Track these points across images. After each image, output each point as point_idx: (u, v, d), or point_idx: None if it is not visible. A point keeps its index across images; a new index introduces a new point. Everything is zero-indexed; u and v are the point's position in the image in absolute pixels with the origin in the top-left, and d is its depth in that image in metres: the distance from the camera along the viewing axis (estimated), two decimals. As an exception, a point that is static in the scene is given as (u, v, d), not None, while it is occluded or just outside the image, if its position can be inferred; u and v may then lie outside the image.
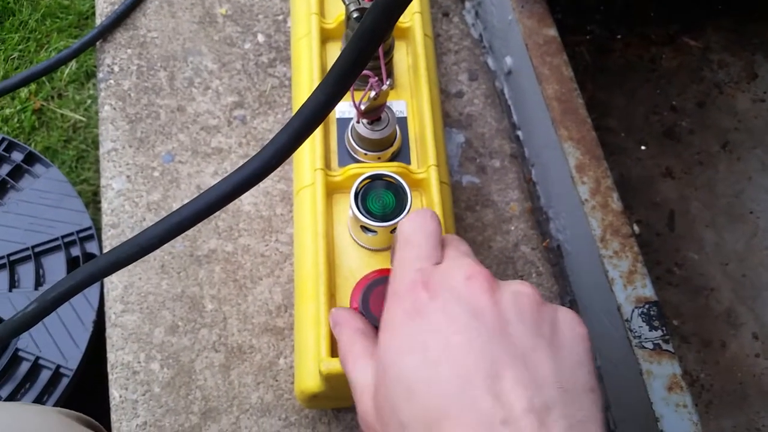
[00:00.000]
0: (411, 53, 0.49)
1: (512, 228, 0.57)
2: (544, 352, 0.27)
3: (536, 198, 0.57)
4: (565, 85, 0.47)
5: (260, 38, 0.63)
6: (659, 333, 0.41)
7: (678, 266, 0.59)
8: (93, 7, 1.03)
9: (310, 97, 0.27)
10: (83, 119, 0.81)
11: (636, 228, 0.59)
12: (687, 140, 0.64)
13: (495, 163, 0.59)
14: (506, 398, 0.25)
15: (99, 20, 0.64)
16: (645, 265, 0.45)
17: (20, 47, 0.86)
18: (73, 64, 0.84)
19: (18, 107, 0.79)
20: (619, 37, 0.66)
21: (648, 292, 0.42)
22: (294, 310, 0.47)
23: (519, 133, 0.58)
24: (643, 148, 0.62)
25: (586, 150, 0.45)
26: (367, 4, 0.42)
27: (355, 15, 0.42)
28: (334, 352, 0.40)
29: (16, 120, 0.79)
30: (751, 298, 0.60)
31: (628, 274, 0.43)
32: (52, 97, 0.83)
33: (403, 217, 0.40)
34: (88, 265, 0.33)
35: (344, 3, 0.41)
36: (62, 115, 0.78)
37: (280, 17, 0.64)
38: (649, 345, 0.41)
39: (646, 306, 0.42)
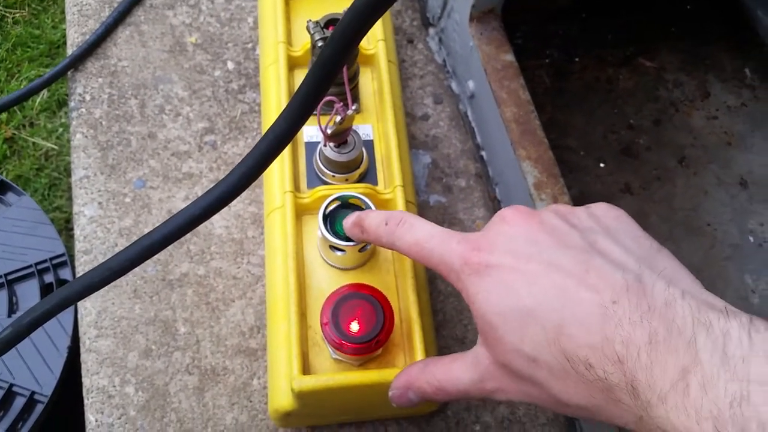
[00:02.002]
0: (376, 79, 0.51)
1: (479, 245, 0.59)
2: (605, 241, 0.30)
3: (501, 215, 0.58)
4: (522, 107, 0.49)
5: (230, 65, 0.64)
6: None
7: (639, 278, 0.61)
8: (64, 36, 1.04)
9: (273, 123, 0.29)
10: (55, 147, 0.82)
11: (597, 242, 0.61)
12: (644, 157, 0.66)
13: (461, 182, 0.61)
14: (602, 285, 0.28)
15: (70, 50, 0.65)
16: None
17: (-9, 77, 0.88)
18: (44, 93, 0.84)
19: (-11, 136, 0.80)
20: (576, 60, 0.68)
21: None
22: (266, 331, 0.48)
23: (483, 153, 0.61)
24: (602, 165, 0.64)
25: (544, 169, 0.47)
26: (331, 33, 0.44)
27: (320, 44, 0.44)
28: (306, 369, 0.41)
29: (-13, 149, 0.80)
30: (709, 307, 0.62)
31: (587, 286, 0.44)
32: (24, 126, 0.83)
33: None
34: (62, 289, 0.34)
35: (309, 33, 0.43)
36: (34, 143, 0.78)
37: (249, 45, 0.65)
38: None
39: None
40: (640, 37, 0.74)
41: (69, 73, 0.64)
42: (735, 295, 0.63)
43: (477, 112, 0.60)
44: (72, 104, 0.63)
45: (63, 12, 1.06)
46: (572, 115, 0.66)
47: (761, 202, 0.68)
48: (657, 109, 0.70)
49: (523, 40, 0.68)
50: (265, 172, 0.49)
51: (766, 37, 0.69)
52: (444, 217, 0.59)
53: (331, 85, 0.27)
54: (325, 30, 0.44)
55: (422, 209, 0.59)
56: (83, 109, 0.62)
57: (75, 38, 0.66)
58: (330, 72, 0.26)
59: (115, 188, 0.58)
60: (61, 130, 0.83)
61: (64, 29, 1.05)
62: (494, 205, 0.59)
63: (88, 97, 0.62)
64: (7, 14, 0.94)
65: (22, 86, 0.85)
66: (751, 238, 0.66)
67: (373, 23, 0.24)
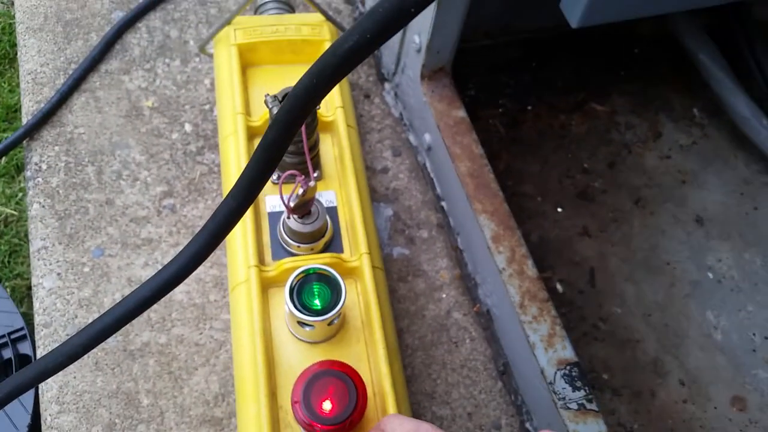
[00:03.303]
0: (336, 144, 0.52)
1: (444, 295, 0.59)
2: None
3: (464, 265, 0.59)
4: (476, 161, 0.50)
5: (188, 128, 0.65)
6: (582, 393, 0.43)
7: (603, 321, 0.62)
8: (16, 106, 1.03)
9: (222, 203, 0.29)
10: (15, 213, 0.80)
11: (559, 287, 0.61)
12: (600, 200, 0.68)
13: (423, 233, 0.62)
14: None
15: (25, 119, 0.65)
16: (568, 322, 0.47)
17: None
18: (3, 159, 0.84)
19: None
20: (529, 108, 0.70)
21: (568, 353, 0.44)
22: (236, 410, 0.47)
23: (443, 203, 0.61)
24: (559, 210, 0.66)
25: (500, 221, 0.48)
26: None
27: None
28: None
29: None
30: (674, 346, 0.62)
31: (548, 337, 0.45)
32: (-19, 193, 0.82)
33: (338, 309, 0.42)
34: (16, 376, 0.33)
35: (267, 106, 0.44)
36: (-8, 210, 0.77)
37: (207, 107, 0.66)
38: (574, 406, 0.43)
39: (568, 367, 0.44)
40: (590, 82, 0.76)
41: (24, 142, 0.64)
42: (698, 332, 0.64)
43: (435, 163, 0.61)
44: (28, 174, 0.62)
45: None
46: (528, 162, 0.67)
47: (717, 238, 0.69)
48: (610, 152, 0.72)
49: (476, 90, 0.69)
50: (229, 243, 0.49)
51: (709, 78, 0.71)
52: (408, 269, 0.59)
53: (277, 166, 0.28)
54: (281, 103, 0.44)
55: (386, 262, 0.59)
56: (40, 179, 0.61)
57: (30, 107, 0.66)
58: (274, 154, 0.26)
59: (74, 258, 0.57)
60: (20, 195, 0.82)
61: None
62: (456, 255, 0.60)
63: (44, 166, 0.62)
64: (-37, 80, 0.94)
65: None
66: (710, 275, 0.67)
67: (314, 106, 0.24)
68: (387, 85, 0.68)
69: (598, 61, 0.77)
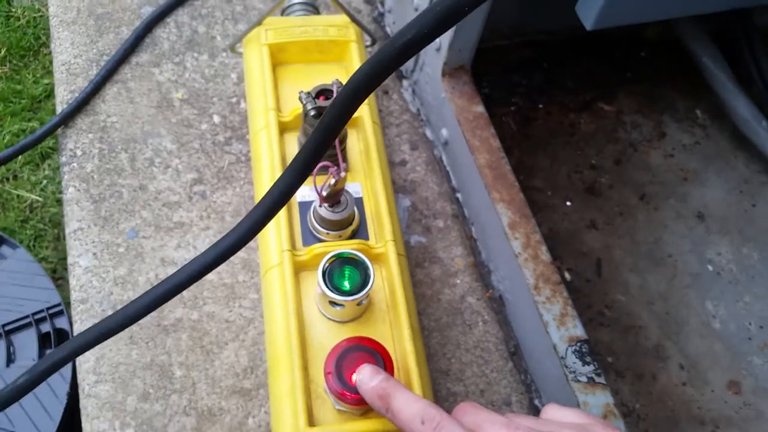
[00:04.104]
0: (362, 140, 0.55)
1: (458, 281, 0.62)
2: None
3: (478, 253, 0.62)
4: (494, 154, 0.54)
5: (216, 119, 0.68)
6: (591, 368, 0.46)
7: (608, 308, 0.65)
8: (45, 90, 1.06)
9: (280, 178, 0.32)
10: (39, 199, 0.83)
11: (567, 276, 0.65)
12: (607, 195, 0.71)
13: (439, 223, 0.65)
14: None
15: (60, 107, 0.68)
16: (575, 308, 0.51)
17: (-26, 132, 0.89)
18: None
19: (-26, 190, 0.81)
20: (540, 106, 0.74)
21: (579, 331, 0.48)
22: (269, 383, 0.50)
23: (458, 195, 0.65)
24: (568, 203, 0.69)
25: (516, 210, 0.51)
26: (322, 102, 0.48)
27: (312, 113, 0.47)
28: (311, 422, 0.43)
29: (-28, 203, 0.81)
30: (675, 333, 0.66)
31: (560, 316, 0.48)
32: (8, 179, 0.85)
33: (367, 290, 0.45)
34: (77, 337, 0.36)
35: (301, 102, 0.47)
36: (18, 195, 0.80)
37: (234, 99, 0.69)
38: (584, 379, 0.46)
39: (578, 344, 0.47)
40: (598, 83, 0.79)
41: (59, 129, 0.67)
42: (698, 321, 0.67)
43: (451, 157, 0.64)
44: (63, 159, 0.65)
45: (44, 68, 1.09)
46: (538, 157, 0.71)
47: (717, 233, 0.73)
48: (617, 150, 0.75)
49: (490, 89, 0.73)
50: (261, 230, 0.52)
51: (711, 81, 0.75)
52: (425, 256, 0.63)
53: (331, 145, 0.31)
54: (316, 100, 0.48)
55: (404, 249, 0.62)
56: (75, 164, 0.64)
57: (64, 96, 0.69)
58: (330, 136, 0.30)
59: (109, 239, 0.60)
60: (45, 182, 0.85)
61: (46, 84, 1.07)
62: (471, 243, 0.63)
63: (79, 152, 0.65)
64: (-11, 71, 0.97)
65: (5, 141, 0.87)
66: (710, 267, 0.70)
67: (371, 91, 0.28)
68: (405, 82, 0.71)
69: (607, 63, 0.81)
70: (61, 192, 0.93)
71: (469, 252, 0.63)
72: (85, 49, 0.72)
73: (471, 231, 0.63)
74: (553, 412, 0.36)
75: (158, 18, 0.74)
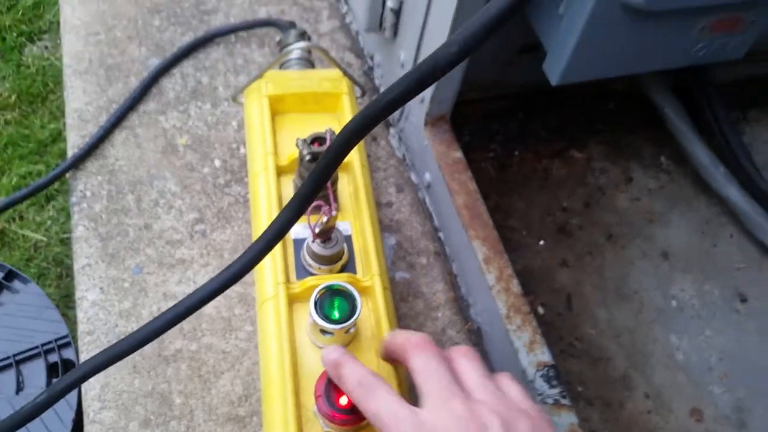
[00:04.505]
0: (352, 182, 0.61)
1: (440, 315, 0.67)
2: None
3: (458, 288, 0.67)
4: (471, 196, 0.59)
5: (217, 163, 0.73)
6: (557, 390, 0.51)
7: (578, 340, 0.70)
8: (52, 135, 1.12)
9: (280, 213, 0.37)
10: (44, 239, 0.88)
11: (540, 309, 0.70)
12: (577, 235, 0.77)
13: (422, 260, 0.70)
14: None
15: (71, 151, 0.73)
16: (547, 339, 0.55)
17: (-17, 174, 0.94)
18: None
19: (-18, 229, 0.86)
20: (516, 153, 0.80)
21: (546, 357, 0.52)
22: (262, 409, 0.54)
23: (440, 234, 0.70)
24: (541, 243, 0.74)
25: (491, 246, 0.57)
26: (316, 148, 0.54)
27: (307, 157, 0.53)
28: None
29: (-20, 241, 0.85)
30: (641, 364, 0.71)
31: (530, 344, 0.53)
32: (14, 219, 0.89)
33: (355, 319, 0.49)
34: (90, 359, 0.41)
35: (298, 148, 0.52)
36: (24, 235, 0.84)
37: (234, 145, 0.75)
38: (550, 401, 0.51)
39: (545, 369, 0.52)
40: (570, 132, 0.86)
41: (70, 172, 0.72)
42: (662, 353, 0.72)
43: (434, 199, 0.69)
44: (73, 200, 0.70)
45: (51, 113, 1.14)
46: (514, 200, 0.76)
47: (681, 271, 0.78)
48: (586, 194, 0.81)
49: (470, 137, 0.79)
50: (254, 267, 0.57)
51: (674, 131, 0.82)
52: (409, 291, 0.68)
53: (326, 184, 0.36)
54: (311, 146, 0.53)
55: (390, 284, 0.67)
56: (84, 204, 0.69)
57: (75, 140, 0.74)
58: (323, 178, 0.35)
59: (115, 275, 0.65)
60: (49, 222, 0.89)
61: (52, 128, 1.13)
62: (451, 279, 0.68)
63: (88, 194, 0.70)
64: (-1, 116, 1.03)
65: (12, 183, 0.92)
66: (674, 303, 0.76)
67: (361, 139, 0.33)
68: (392, 130, 0.78)
69: (577, 113, 0.87)
70: (65, 232, 0.97)
71: (450, 287, 0.68)
72: (95, 97, 0.77)
73: (452, 267, 0.68)
74: (507, 382, 0.42)
75: (164, 69, 0.80)
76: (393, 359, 0.46)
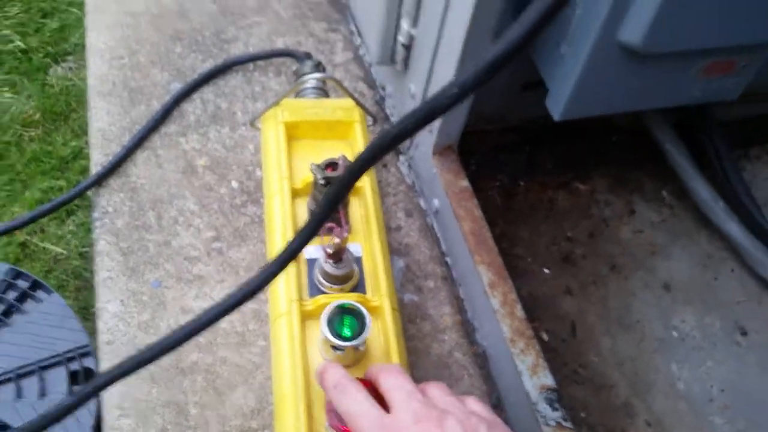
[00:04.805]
0: (363, 206, 0.63)
1: (446, 337, 0.69)
2: None
3: (464, 312, 0.69)
4: (477, 222, 0.62)
5: (234, 184, 0.76)
6: (559, 413, 0.53)
7: (582, 367, 0.72)
8: (73, 152, 1.15)
9: (294, 236, 0.40)
10: (64, 252, 0.90)
11: (545, 336, 0.72)
12: (581, 264, 0.79)
13: (430, 283, 0.72)
14: None
15: (95, 168, 0.76)
16: (552, 365, 0.57)
17: (8, 187, 0.97)
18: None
19: (5, 240, 0.88)
20: (522, 184, 0.82)
21: (549, 381, 0.54)
22: (274, 422, 0.56)
23: (447, 259, 0.72)
24: (546, 271, 0.77)
25: (495, 272, 0.59)
26: (330, 173, 0.57)
27: (321, 182, 0.56)
28: None
29: (2, 252, 0.88)
30: (643, 392, 0.72)
31: (533, 367, 0.55)
32: (35, 232, 0.92)
33: (365, 336, 0.51)
34: (119, 364, 0.43)
35: (312, 173, 0.55)
36: (44, 248, 0.87)
37: (250, 167, 0.78)
38: (553, 423, 0.53)
39: (548, 392, 0.54)
40: (574, 164, 0.88)
41: (92, 189, 0.75)
42: (664, 382, 0.74)
43: (441, 225, 0.72)
44: (96, 215, 0.73)
45: (73, 131, 1.18)
46: (520, 229, 0.79)
47: (682, 302, 0.80)
48: (591, 225, 0.84)
49: (477, 167, 0.82)
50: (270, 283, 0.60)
51: (674, 165, 0.84)
52: (416, 313, 0.70)
53: (340, 203, 0.39)
54: (325, 171, 0.56)
55: (398, 306, 0.69)
56: (106, 220, 0.72)
57: (98, 159, 0.77)
58: (336, 202, 0.38)
59: (135, 288, 0.67)
60: (69, 236, 0.92)
61: (74, 146, 1.17)
62: (458, 303, 0.70)
63: (110, 210, 0.73)
64: (24, 133, 1.06)
65: (35, 197, 0.95)
66: (675, 333, 0.78)
67: (372, 165, 0.36)
68: (401, 158, 0.80)
69: (582, 147, 0.90)
70: (84, 246, 1.00)
71: (457, 310, 0.70)
72: (119, 118, 0.81)
73: (458, 291, 0.70)
74: (472, 400, 0.45)
75: (186, 94, 0.83)
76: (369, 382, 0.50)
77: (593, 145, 0.91)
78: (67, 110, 1.10)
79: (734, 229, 0.82)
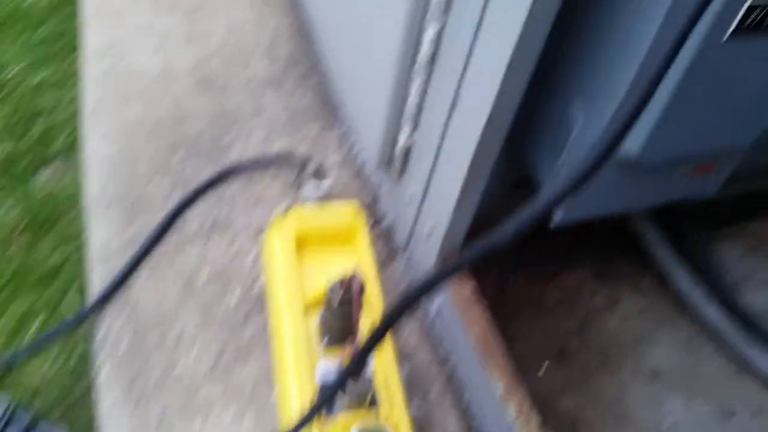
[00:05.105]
0: (371, 316, 0.65)
1: (453, 442, 0.70)
2: None
3: (471, 418, 0.71)
4: (485, 330, 0.64)
5: (237, 294, 0.77)
6: None
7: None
8: (56, 264, 1.14)
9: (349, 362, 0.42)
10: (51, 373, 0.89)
11: None
12: (575, 357, 0.82)
13: (434, 388, 0.73)
14: None
15: (95, 288, 0.76)
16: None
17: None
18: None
19: None
20: (511, 278, 0.86)
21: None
22: None
23: (450, 362, 0.74)
24: (542, 367, 0.79)
25: (508, 381, 0.61)
26: (345, 297, 0.58)
27: (335, 305, 0.58)
28: None
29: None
30: (644, 484, 0.74)
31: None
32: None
33: None
34: None
35: (327, 294, 0.58)
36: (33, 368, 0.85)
37: (253, 277, 0.79)
38: None
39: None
40: (558, 256, 0.92)
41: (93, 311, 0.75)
42: (663, 472, 0.76)
43: (443, 327, 0.74)
44: (98, 338, 0.73)
45: (61, 238, 1.17)
46: (513, 325, 0.82)
47: (669, 389, 0.83)
48: (580, 316, 0.87)
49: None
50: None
51: (653, 254, 0.89)
52: (424, 420, 0.71)
53: (378, 345, 0.41)
54: (341, 291, 0.59)
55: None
56: (108, 345, 0.72)
57: (99, 275, 0.77)
58: (379, 339, 0.40)
59: (139, 422, 0.66)
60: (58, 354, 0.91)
61: (60, 255, 1.15)
62: (463, 409, 0.72)
63: (112, 334, 0.73)
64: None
65: (22, 310, 0.93)
66: (667, 421, 0.80)
67: (402, 317, 0.39)
68: (398, 258, 0.83)
69: (564, 237, 0.94)
70: (72, 364, 0.98)
71: (462, 415, 0.72)
72: (118, 232, 0.81)
73: (464, 396, 0.72)
74: None
75: (185, 204, 0.84)
76: None
77: (575, 234, 0.95)
78: (52, 218, 1.10)
79: (713, 314, 0.86)
